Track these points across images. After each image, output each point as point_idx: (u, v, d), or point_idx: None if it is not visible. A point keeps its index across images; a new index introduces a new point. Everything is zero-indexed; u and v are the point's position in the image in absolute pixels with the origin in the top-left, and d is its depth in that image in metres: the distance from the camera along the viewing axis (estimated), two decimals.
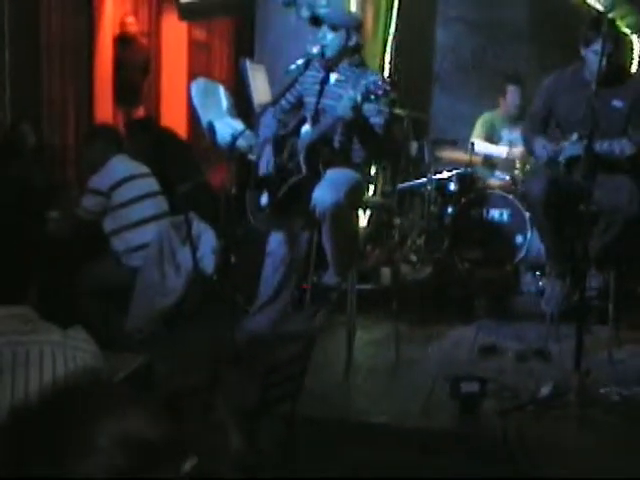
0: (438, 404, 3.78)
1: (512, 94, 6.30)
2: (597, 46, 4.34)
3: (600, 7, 5.00)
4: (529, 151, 4.86)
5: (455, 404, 3.73)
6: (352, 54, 4.46)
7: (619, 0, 5.72)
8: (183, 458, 1.01)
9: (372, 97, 4.00)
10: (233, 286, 4.77)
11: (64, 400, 1.06)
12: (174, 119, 8.47)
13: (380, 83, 3.99)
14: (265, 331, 4.45)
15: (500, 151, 6.17)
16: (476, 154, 6.09)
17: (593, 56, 4.39)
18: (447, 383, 3.81)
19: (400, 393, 4.01)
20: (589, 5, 6.18)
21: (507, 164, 6.08)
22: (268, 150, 4.50)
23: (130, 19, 8.32)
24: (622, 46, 4.80)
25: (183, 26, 8.90)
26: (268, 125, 4.59)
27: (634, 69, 6.42)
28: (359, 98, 4.00)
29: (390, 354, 4.46)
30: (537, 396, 3.84)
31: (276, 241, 4.54)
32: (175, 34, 9.10)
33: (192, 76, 8.80)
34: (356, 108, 4.02)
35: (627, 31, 6.36)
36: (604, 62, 3.96)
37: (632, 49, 6.47)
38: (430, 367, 4.29)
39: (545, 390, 3.86)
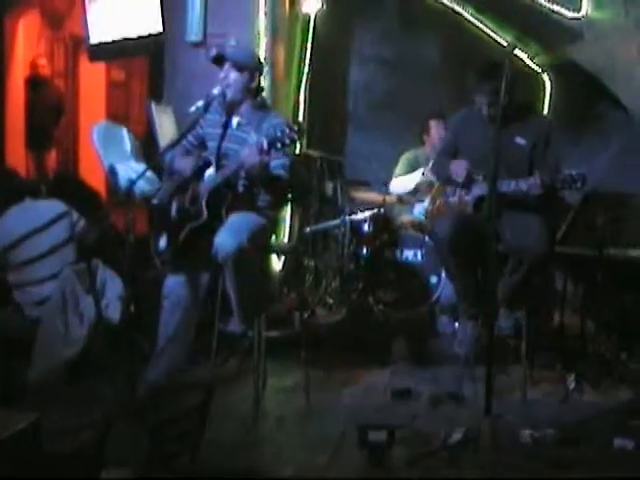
0: (346, 454, 3.65)
1: (436, 128, 6.27)
2: (481, 98, 4.48)
3: (504, 42, 5.04)
4: (444, 180, 4.80)
5: (363, 454, 3.60)
6: (254, 96, 4.38)
7: (528, 40, 5.75)
8: None
9: (278, 145, 3.91)
10: (139, 334, 4.61)
11: None
12: (92, 161, 8.27)
13: (287, 131, 3.90)
14: (165, 379, 4.28)
15: (415, 177, 6.11)
16: (391, 194, 6.06)
17: (481, 100, 4.45)
18: (356, 432, 3.69)
19: (309, 443, 3.87)
20: (496, 41, 6.25)
21: (426, 188, 6.03)
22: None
23: (42, 61, 8.16)
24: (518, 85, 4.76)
25: (101, 66, 8.77)
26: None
27: (546, 107, 6.47)
28: (265, 145, 3.91)
29: (300, 402, 4.34)
30: (448, 442, 3.73)
31: (173, 283, 4.36)
32: (92, 74, 8.96)
33: (111, 117, 8.68)
34: (262, 154, 3.93)
35: (538, 70, 6.43)
36: (500, 101, 3.91)
37: (543, 87, 6.53)
38: (341, 415, 4.17)
39: (457, 435, 3.76)
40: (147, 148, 5.78)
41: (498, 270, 4.16)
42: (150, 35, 6.22)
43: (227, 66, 4.30)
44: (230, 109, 4.36)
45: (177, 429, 3.20)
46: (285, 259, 6.04)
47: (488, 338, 3.81)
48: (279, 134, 3.91)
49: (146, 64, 8.21)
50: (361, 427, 3.64)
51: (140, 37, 6.30)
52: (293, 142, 3.96)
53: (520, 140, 4.48)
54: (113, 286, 4.83)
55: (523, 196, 4.30)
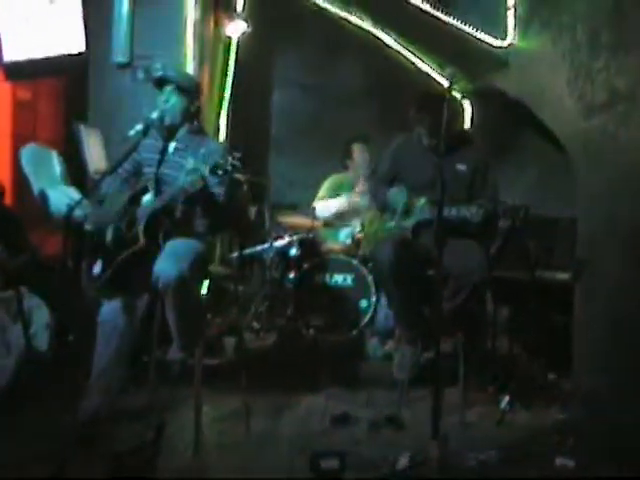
0: None
1: (359, 152, 6.32)
2: (421, 128, 4.55)
3: (445, 81, 5.14)
4: (381, 206, 4.83)
5: None
6: (192, 121, 4.33)
7: (451, 66, 5.85)
8: None
9: (220, 172, 3.86)
10: (71, 363, 4.47)
11: None
12: None
13: (229, 157, 3.86)
14: (103, 409, 4.13)
15: (341, 203, 6.13)
16: (318, 218, 6.05)
17: (421, 131, 4.53)
18: (303, 458, 3.66)
19: (255, 472, 3.81)
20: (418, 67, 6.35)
21: (352, 214, 6.06)
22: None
23: None
24: (455, 115, 4.89)
25: (6, 86, 8.48)
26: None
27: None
28: (206, 171, 3.85)
29: (240, 429, 4.27)
30: (396, 467, 3.74)
31: (109, 310, 4.22)
32: None
33: (16, 138, 8.39)
34: (202, 180, 3.87)
35: (458, 96, 6.56)
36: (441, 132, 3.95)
37: (463, 112, 6.67)
38: (283, 441, 4.13)
39: (403, 460, 3.77)
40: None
41: (439, 295, 4.18)
42: (73, 54, 6.07)
43: (168, 89, 4.25)
44: (168, 134, 4.31)
45: (131, 464, 3.11)
46: (209, 284, 5.95)
47: (434, 360, 3.83)
48: (221, 160, 3.87)
49: (57, 84, 8.01)
50: (312, 454, 3.62)
51: (61, 56, 6.14)
52: (235, 169, 3.91)
53: (461, 167, 4.56)
54: (40, 314, 4.70)
55: (463, 222, 4.35)
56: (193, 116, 4.34)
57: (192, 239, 4.18)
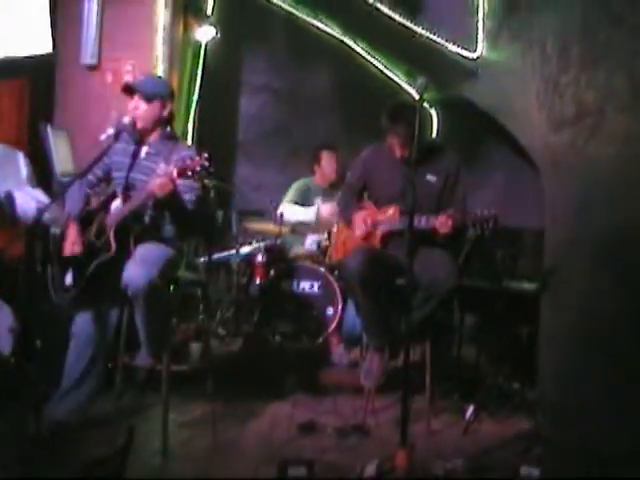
0: None
1: (328, 160, 6.33)
2: (394, 138, 4.52)
3: (415, 92, 5.16)
4: (347, 221, 4.84)
5: None
6: (164, 126, 4.30)
7: (419, 74, 5.87)
8: None
9: (189, 173, 3.84)
10: (36, 369, 4.40)
11: None
12: None
13: (197, 158, 3.84)
14: (72, 418, 4.09)
15: (308, 213, 6.13)
16: (285, 222, 6.02)
17: (394, 140, 4.53)
18: (270, 466, 3.65)
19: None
20: (386, 75, 6.36)
21: (317, 225, 6.06)
22: (74, 226, 4.20)
23: None
24: (426, 125, 4.91)
25: None
26: (72, 198, 4.31)
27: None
28: (175, 173, 3.82)
29: (207, 436, 4.24)
30: (364, 475, 3.74)
31: (82, 322, 4.19)
32: None
33: None
34: (171, 183, 3.84)
35: (426, 105, 6.59)
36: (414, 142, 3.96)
37: (431, 121, 6.70)
38: (250, 449, 4.12)
39: (370, 469, 3.77)
40: None
41: (409, 304, 4.19)
42: (40, 55, 6.00)
43: (137, 97, 4.21)
44: (139, 139, 4.26)
45: (100, 472, 3.08)
46: (176, 289, 5.91)
47: (403, 369, 3.83)
48: (189, 162, 3.84)
49: (20, 85, 7.90)
50: (280, 462, 3.62)
51: (28, 57, 6.06)
52: (203, 169, 3.88)
53: (431, 177, 4.57)
54: (3, 317, 4.62)
55: (431, 232, 4.36)
56: (166, 121, 4.30)
57: (162, 245, 4.15)
